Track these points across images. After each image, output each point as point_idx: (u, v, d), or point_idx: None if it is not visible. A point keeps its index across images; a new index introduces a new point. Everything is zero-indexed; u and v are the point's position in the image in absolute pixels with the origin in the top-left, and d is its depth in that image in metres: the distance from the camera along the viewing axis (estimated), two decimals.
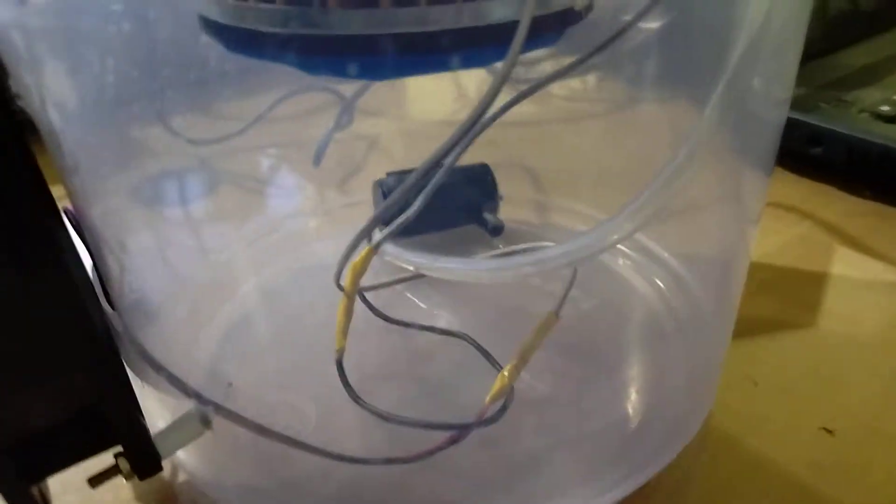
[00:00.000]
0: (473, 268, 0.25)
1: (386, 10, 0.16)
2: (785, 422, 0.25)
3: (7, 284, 0.14)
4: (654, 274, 0.31)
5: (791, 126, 0.41)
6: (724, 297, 0.27)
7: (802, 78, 0.46)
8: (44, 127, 0.17)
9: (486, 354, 0.26)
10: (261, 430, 0.18)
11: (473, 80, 0.42)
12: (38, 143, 0.17)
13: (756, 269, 0.34)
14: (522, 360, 0.23)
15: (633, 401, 0.25)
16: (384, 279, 0.30)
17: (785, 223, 0.38)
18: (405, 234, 0.32)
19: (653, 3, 0.21)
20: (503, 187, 0.34)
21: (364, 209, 0.34)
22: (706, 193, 0.25)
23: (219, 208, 0.36)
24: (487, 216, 0.33)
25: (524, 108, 0.46)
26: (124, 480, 0.17)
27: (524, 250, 0.31)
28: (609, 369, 0.26)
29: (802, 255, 0.35)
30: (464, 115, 0.29)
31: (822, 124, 0.41)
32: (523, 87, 0.46)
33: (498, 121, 0.47)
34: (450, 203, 0.32)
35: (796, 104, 0.43)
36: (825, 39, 0.53)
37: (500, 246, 0.33)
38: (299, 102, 0.42)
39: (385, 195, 0.32)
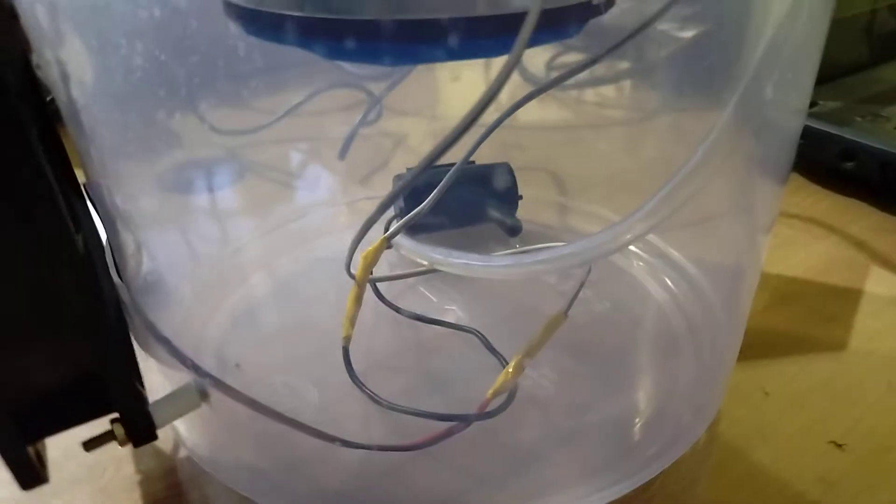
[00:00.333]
0: (485, 264, 0.25)
1: None
2: (794, 434, 0.25)
3: (17, 244, 0.15)
4: (669, 277, 0.30)
5: (824, 139, 0.41)
6: (735, 304, 0.27)
7: (839, 91, 0.46)
8: (62, 100, 0.17)
9: (494, 350, 0.26)
10: (255, 405, 0.18)
11: (507, 84, 0.42)
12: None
13: (778, 281, 0.33)
14: (528, 357, 0.23)
15: (637, 403, 0.25)
16: (399, 272, 0.31)
17: (812, 236, 0.37)
18: (423, 229, 0.32)
19: (671, 3, 0.21)
20: (526, 189, 0.34)
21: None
22: (720, 199, 0.24)
23: (242, 197, 0.37)
24: (506, 216, 0.33)
25: (554, 113, 0.46)
26: (119, 446, 0.18)
27: (538, 249, 0.31)
28: (616, 370, 0.26)
29: (827, 269, 0.34)
30: (494, 117, 0.30)
31: (856, 138, 0.40)
32: (554, 93, 0.46)
33: (527, 124, 0.47)
34: (469, 201, 0.33)
35: (830, 117, 0.42)
36: (870, 55, 0.52)
37: (517, 246, 0.33)
38: (331, 99, 0.43)
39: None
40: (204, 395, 0.19)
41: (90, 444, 0.18)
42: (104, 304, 0.16)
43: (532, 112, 0.44)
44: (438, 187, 0.27)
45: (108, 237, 0.20)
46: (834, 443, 0.24)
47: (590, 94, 0.43)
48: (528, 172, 0.40)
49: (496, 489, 0.22)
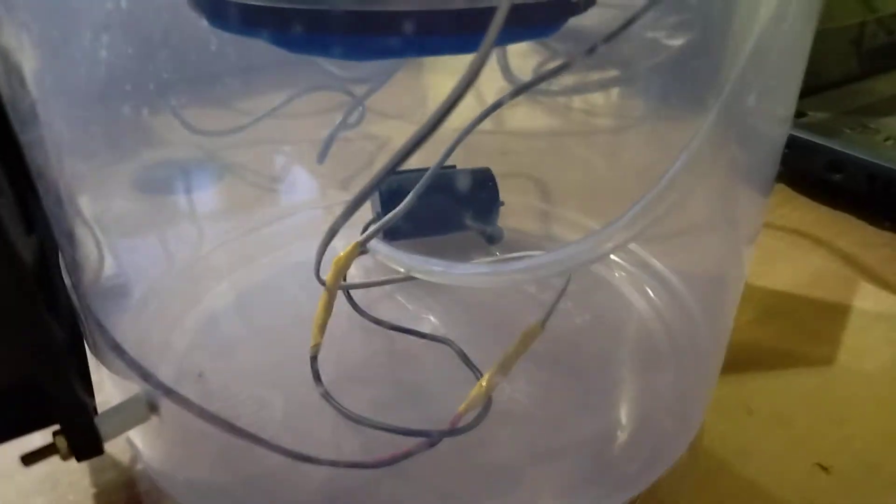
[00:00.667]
0: (461, 272, 0.24)
1: None
2: (778, 454, 0.24)
3: None
4: (650, 288, 0.29)
5: (812, 150, 0.41)
6: (718, 316, 0.26)
7: (828, 102, 0.45)
8: (6, 92, 0.16)
9: (468, 362, 0.25)
10: (211, 417, 0.17)
11: (494, 88, 0.41)
12: None
13: (764, 294, 0.33)
14: (502, 370, 0.22)
15: (617, 418, 0.24)
16: (375, 279, 0.30)
17: (799, 250, 0.36)
18: (401, 235, 0.32)
19: (649, 5, 0.20)
20: (509, 195, 0.34)
21: (363, 208, 0.33)
22: (702, 209, 0.24)
23: (216, 199, 0.36)
24: (486, 223, 0.32)
25: (541, 119, 0.46)
26: (61, 460, 0.17)
27: (517, 258, 0.31)
28: (595, 384, 0.25)
29: (814, 283, 0.33)
30: (483, 121, 0.29)
31: (845, 150, 0.39)
32: (542, 99, 0.45)
33: (514, 130, 0.46)
34: (448, 207, 0.32)
35: (819, 128, 0.41)
36: (859, 67, 0.52)
37: (497, 254, 0.32)
38: (315, 102, 0.42)
39: (382, 194, 0.31)
40: (153, 408, 0.18)
41: (29, 459, 0.17)
42: (44, 311, 0.15)
43: (520, 118, 0.43)
44: (413, 191, 0.27)
45: (62, 239, 0.19)
46: (819, 465, 0.23)
47: (578, 102, 0.42)
48: (512, 179, 0.39)
49: None
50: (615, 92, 0.41)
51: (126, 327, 0.25)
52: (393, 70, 0.37)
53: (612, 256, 0.31)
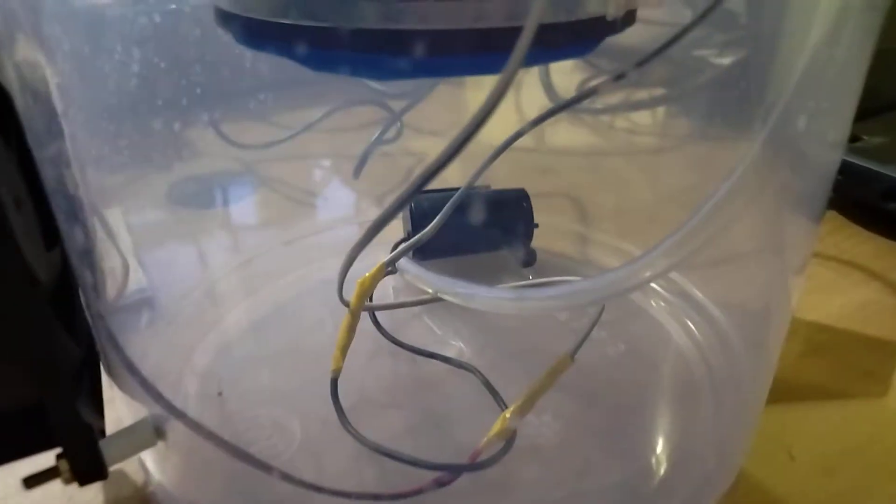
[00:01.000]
0: (489, 296, 0.23)
1: (392, 4, 0.14)
2: None
3: None
4: (690, 319, 0.28)
5: (867, 177, 0.39)
6: (761, 351, 0.24)
7: (885, 126, 0.43)
8: (29, 105, 0.16)
9: (493, 391, 0.24)
10: (220, 442, 0.16)
11: (536, 105, 0.41)
12: None
13: (812, 329, 0.31)
14: (529, 403, 0.21)
15: (649, 459, 0.23)
16: (403, 300, 0.29)
17: (850, 282, 0.34)
18: (432, 255, 0.31)
19: (694, 22, 0.19)
20: (546, 216, 0.33)
21: (397, 224, 0.33)
22: (748, 236, 0.22)
23: (250, 213, 0.36)
24: (520, 244, 0.31)
25: (584, 138, 0.45)
26: (64, 483, 0.16)
27: (552, 283, 0.30)
28: (627, 421, 0.24)
29: (866, 318, 0.31)
30: (524, 138, 0.28)
31: None
32: (585, 117, 0.44)
33: (556, 148, 0.45)
34: (481, 227, 0.31)
35: (875, 154, 0.39)
36: None
37: (530, 277, 0.31)
38: (355, 117, 0.42)
39: (413, 213, 0.30)
40: (160, 433, 0.18)
41: (31, 482, 0.16)
42: (53, 331, 0.14)
43: (562, 136, 0.42)
44: (443, 211, 0.26)
45: (78, 255, 0.19)
46: None
47: (621, 120, 0.41)
48: (550, 199, 0.38)
49: None
50: (660, 111, 0.40)
51: (147, 344, 0.25)
52: (432, 86, 0.37)
53: (650, 284, 0.30)
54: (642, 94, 0.39)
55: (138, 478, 0.22)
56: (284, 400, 0.24)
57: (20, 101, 0.15)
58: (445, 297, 0.25)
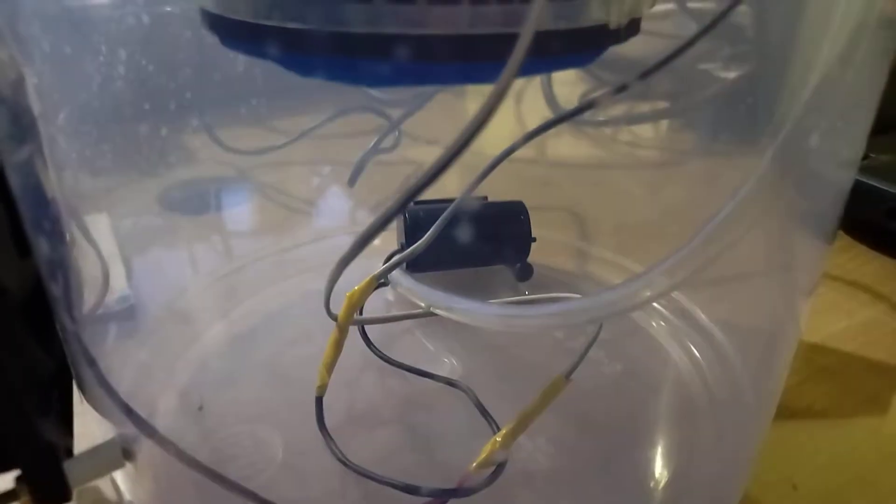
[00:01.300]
0: (484, 312, 0.23)
1: (381, 7, 0.13)
2: None
3: None
4: (691, 340, 0.27)
5: (873, 196, 0.38)
6: (766, 376, 0.24)
7: (891, 144, 0.42)
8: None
9: (485, 413, 0.23)
10: (193, 463, 0.16)
11: (538, 117, 0.40)
12: None
13: (816, 352, 0.30)
14: (521, 426, 0.21)
15: (647, 487, 0.22)
16: (395, 313, 0.28)
17: (856, 304, 0.34)
18: (427, 267, 0.30)
19: (700, 34, 0.18)
20: (545, 230, 0.32)
21: (391, 234, 0.32)
22: (755, 256, 0.22)
23: (241, 220, 0.35)
24: (516, 258, 0.31)
25: (586, 151, 0.44)
26: None
27: (548, 299, 0.29)
28: (624, 446, 0.23)
29: (871, 341, 0.31)
30: (524, 150, 0.27)
31: None
32: (588, 130, 0.44)
33: (558, 160, 0.45)
34: (477, 240, 0.30)
35: (881, 172, 0.38)
36: None
37: (527, 292, 0.30)
38: (352, 124, 0.41)
39: (407, 224, 0.29)
40: (128, 454, 0.17)
41: None
42: (22, 346, 0.14)
43: (563, 148, 0.42)
44: (436, 223, 0.25)
45: (48, 265, 0.18)
46: None
47: (624, 133, 0.41)
48: (549, 212, 0.37)
49: None
50: (664, 124, 0.40)
51: (126, 355, 0.24)
52: (431, 94, 0.36)
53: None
54: (646, 107, 0.39)
55: (112, 496, 0.22)
56: (267, 416, 0.23)
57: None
58: (438, 311, 0.24)
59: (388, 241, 0.32)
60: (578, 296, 0.26)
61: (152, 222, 0.32)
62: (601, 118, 0.41)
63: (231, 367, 0.26)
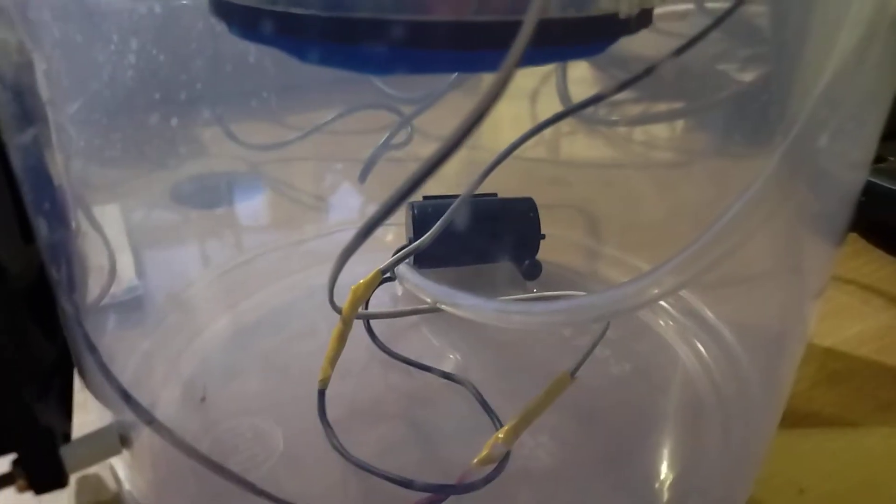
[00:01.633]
0: (490, 308, 0.22)
1: None
2: None
3: None
4: (699, 340, 0.27)
5: (889, 199, 0.37)
6: (774, 378, 0.23)
7: None
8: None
9: (488, 408, 0.23)
10: (191, 452, 0.15)
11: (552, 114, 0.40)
12: None
13: (828, 356, 0.29)
14: (524, 423, 0.20)
15: (651, 487, 0.22)
16: (402, 308, 0.28)
17: (869, 308, 0.33)
18: (434, 263, 0.30)
19: (707, 30, 0.18)
20: (554, 228, 0.32)
21: (400, 230, 0.32)
22: (764, 256, 0.21)
23: (251, 215, 0.35)
24: (524, 255, 0.30)
25: (599, 150, 0.44)
26: (18, 491, 0.15)
27: (554, 297, 0.28)
28: (629, 446, 0.23)
29: (884, 346, 0.30)
30: (537, 149, 0.27)
31: None
32: (602, 129, 0.43)
33: (570, 159, 0.44)
34: (486, 236, 0.30)
35: None
36: None
37: (534, 290, 0.30)
38: (365, 120, 0.41)
39: (415, 217, 0.29)
40: (126, 441, 0.17)
41: None
42: (23, 330, 0.14)
43: (576, 147, 0.41)
44: (442, 219, 0.25)
45: (53, 252, 0.18)
46: None
47: (638, 133, 0.40)
48: (559, 210, 0.37)
49: None
50: (678, 125, 0.39)
51: (132, 345, 0.24)
52: (443, 91, 0.36)
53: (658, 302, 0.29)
54: (661, 107, 0.38)
55: (112, 484, 0.22)
56: (270, 408, 0.23)
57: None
58: (444, 307, 0.24)
59: (399, 236, 0.32)
60: (584, 293, 0.25)
61: (162, 214, 0.32)
62: (615, 117, 0.40)
63: (235, 360, 0.26)
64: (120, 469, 0.19)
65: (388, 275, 0.26)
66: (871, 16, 0.15)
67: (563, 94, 0.41)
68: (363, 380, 0.25)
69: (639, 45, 0.17)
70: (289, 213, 0.38)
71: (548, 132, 0.29)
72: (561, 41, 0.15)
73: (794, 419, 0.24)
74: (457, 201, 0.26)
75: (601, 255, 0.34)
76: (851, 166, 0.20)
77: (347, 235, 0.37)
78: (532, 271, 0.30)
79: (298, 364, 0.25)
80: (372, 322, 0.26)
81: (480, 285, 0.31)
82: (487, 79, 0.14)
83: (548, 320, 0.21)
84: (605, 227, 0.37)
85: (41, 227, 0.16)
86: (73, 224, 0.19)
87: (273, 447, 0.21)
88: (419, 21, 0.13)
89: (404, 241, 0.31)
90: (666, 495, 0.21)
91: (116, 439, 0.16)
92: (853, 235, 0.39)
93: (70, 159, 0.20)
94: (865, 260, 0.37)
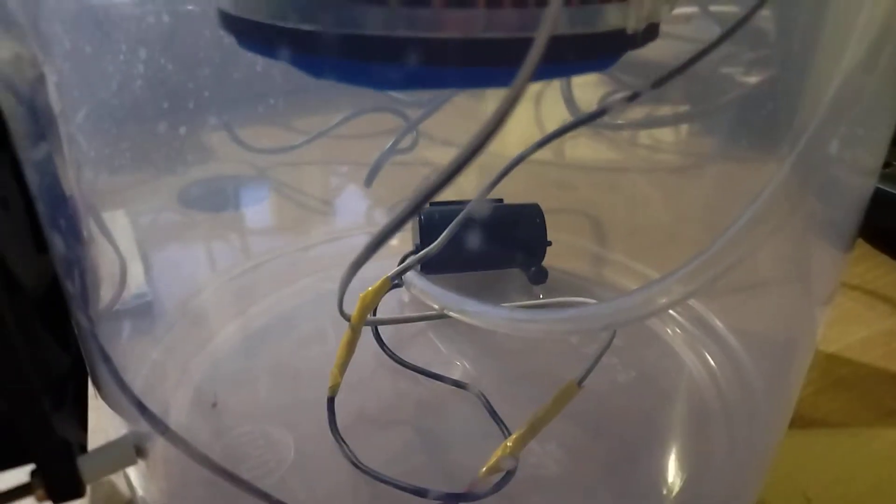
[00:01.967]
0: (497, 315, 0.22)
1: (396, 10, 0.13)
2: None
3: None
4: (707, 349, 0.27)
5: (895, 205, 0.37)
6: (781, 385, 0.23)
7: None
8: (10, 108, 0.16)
9: (496, 417, 0.23)
10: (205, 461, 0.16)
11: (557, 118, 0.40)
12: None
13: (833, 362, 0.29)
14: (531, 431, 0.20)
15: (660, 494, 0.22)
16: (409, 314, 0.28)
17: (875, 314, 0.33)
18: (441, 269, 0.30)
19: (721, 38, 0.18)
20: (560, 233, 0.32)
21: (407, 235, 0.32)
22: (773, 264, 0.21)
23: (258, 219, 0.36)
24: (531, 262, 0.30)
25: (604, 154, 0.44)
26: (37, 501, 0.15)
27: (562, 303, 0.29)
28: (636, 454, 0.23)
29: (890, 353, 0.30)
30: (542, 152, 0.27)
31: None
32: (607, 132, 0.43)
33: (575, 162, 0.44)
34: (492, 242, 0.30)
35: None
36: None
37: (541, 295, 0.30)
38: (371, 123, 0.41)
39: (423, 225, 0.29)
40: (141, 451, 0.17)
41: (2, 498, 0.16)
42: (22, 344, 0.14)
43: (581, 150, 0.41)
44: (450, 226, 0.25)
45: (64, 263, 0.18)
46: None
47: (643, 137, 0.40)
48: (565, 215, 0.37)
49: None
50: (683, 128, 0.39)
51: (142, 352, 0.24)
52: (449, 95, 0.36)
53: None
54: (666, 110, 0.38)
55: (125, 491, 0.22)
56: (280, 415, 0.23)
57: (4, 101, 0.14)
58: (451, 313, 0.24)
59: (404, 241, 0.32)
60: (591, 300, 0.26)
61: (170, 219, 0.32)
62: (620, 121, 0.40)
63: (245, 366, 0.26)
64: (133, 476, 0.20)
65: (395, 282, 0.26)
66: (883, 20, 0.15)
67: (568, 96, 0.41)
68: (371, 386, 0.25)
69: (644, 49, 0.17)
70: (295, 217, 0.39)
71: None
72: (569, 57, 0.15)
73: (800, 425, 0.24)
74: (465, 210, 0.26)
75: (607, 260, 0.34)
76: (861, 172, 0.20)
77: (354, 241, 0.38)
78: (538, 277, 0.30)
79: (308, 370, 0.25)
80: (380, 327, 0.26)
81: (487, 291, 0.31)
82: (496, 90, 0.14)
83: (555, 328, 0.21)
84: (610, 232, 0.37)
85: (57, 243, 0.16)
86: (85, 233, 0.20)
87: (284, 455, 0.22)
88: (430, 38, 0.13)
89: (410, 246, 0.31)
90: (673, 503, 0.22)
91: (132, 450, 0.17)
92: (858, 241, 0.39)
93: (80, 169, 0.20)
94: (871, 265, 0.37)
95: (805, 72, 0.23)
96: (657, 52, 0.19)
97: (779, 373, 0.24)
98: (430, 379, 0.25)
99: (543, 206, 0.31)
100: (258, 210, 0.37)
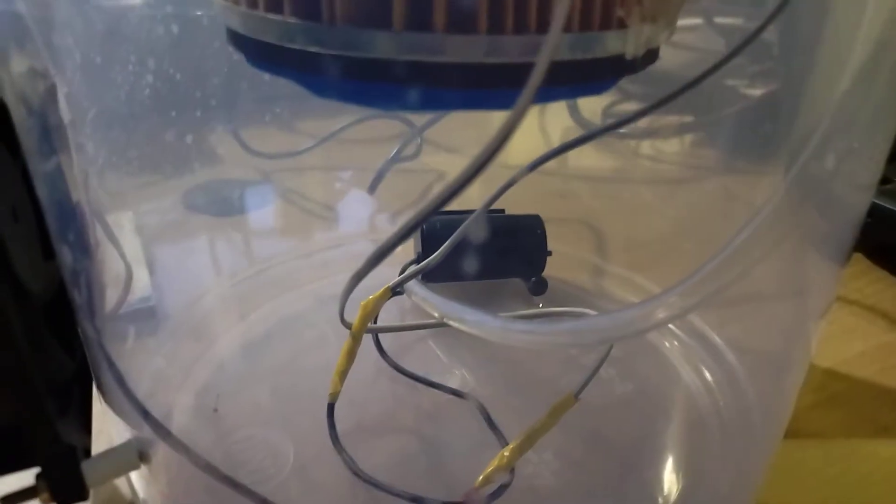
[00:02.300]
0: (497, 325, 0.23)
1: (401, 35, 0.14)
2: None
3: None
4: (703, 362, 0.27)
5: (894, 220, 0.37)
6: (776, 399, 0.24)
7: None
8: (22, 114, 0.16)
9: (494, 427, 0.23)
10: (205, 466, 0.16)
11: (560, 127, 0.40)
12: None
13: (829, 377, 0.30)
14: (528, 442, 0.21)
15: None
16: (410, 322, 0.28)
17: (872, 329, 0.33)
18: (441, 278, 0.30)
19: (730, 56, 0.18)
20: (561, 244, 0.32)
21: (408, 243, 0.32)
22: (769, 278, 0.22)
23: (261, 224, 0.36)
24: (531, 272, 0.31)
25: (606, 163, 0.44)
26: None
27: (561, 315, 0.29)
28: (631, 465, 0.23)
29: (886, 369, 0.30)
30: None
31: None
32: (609, 141, 0.43)
33: (579, 171, 0.44)
34: (493, 252, 0.30)
35: None
36: None
37: (541, 305, 0.31)
38: (375, 129, 0.42)
39: (424, 235, 0.30)
40: (144, 456, 0.17)
41: (8, 501, 0.16)
42: (18, 352, 0.14)
43: (583, 159, 0.42)
44: (451, 237, 0.25)
45: (71, 271, 0.18)
46: None
47: (646, 147, 0.41)
48: (566, 225, 0.38)
49: None
50: (686, 140, 0.39)
51: (145, 356, 0.25)
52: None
53: None
54: (669, 121, 0.39)
55: (127, 494, 0.22)
56: (281, 420, 0.24)
57: (16, 114, 0.15)
58: (451, 323, 0.24)
59: (406, 249, 0.32)
60: (590, 311, 0.26)
61: (175, 223, 0.32)
62: (623, 130, 0.41)
63: (247, 370, 0.26)
64: (135, 480, 0.20)
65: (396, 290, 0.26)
66: (881, 35, 0.16)
67: (571, 105, 0.41)
68: (371, 393, 0.25)
69: None
70: (299, 222, 0.39)
71: (554, 143, 0.29)
72: (569, 81, 0.15)
73: (793, 441, 0.24)
74: (466, 221, 0.26)
75: (606, 271, 0.35)
76: (859, 188, 0.21)
77: (357, 248, 0.38)
78: (538, 288, 0.30)
79: (309, 375, 0.26)
80: (380, 335, 0.27)
81: (487, 300, 0.31)
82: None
83: (553, 340, 0.22)
84: (610, 243, 0.37)
85: (65, 255, 0.16)
86: (92, 239, 0.20)
87: (284, 461, 0.22)
88: (433, 62, 0.13)
89: (412, 254, 0.31)
90: None
91: (135, 455, 0.17)
92: (857, 255, 0.39)
93: (88, 176, 0.20)
94: (869, 280, 0.37)
95: (806, 83, 0.23)
96: (662, 61, 0.19)
97: (773, 385, 0.25)
98: (428, 387, 0.25)
99: (545, 216, 0.31)
100: (262, 215, 0.37)
